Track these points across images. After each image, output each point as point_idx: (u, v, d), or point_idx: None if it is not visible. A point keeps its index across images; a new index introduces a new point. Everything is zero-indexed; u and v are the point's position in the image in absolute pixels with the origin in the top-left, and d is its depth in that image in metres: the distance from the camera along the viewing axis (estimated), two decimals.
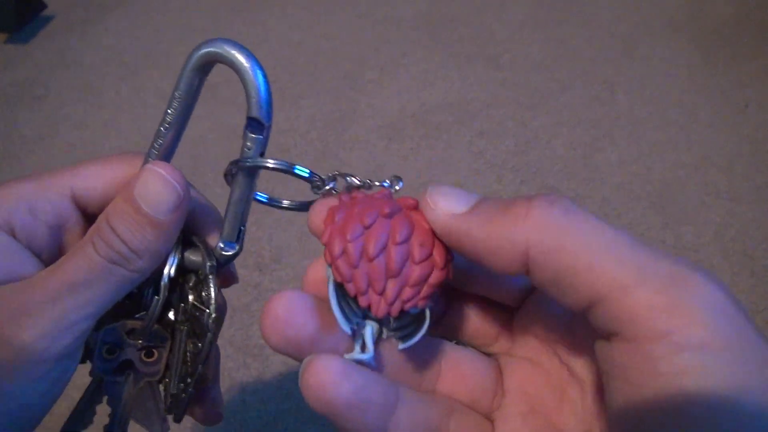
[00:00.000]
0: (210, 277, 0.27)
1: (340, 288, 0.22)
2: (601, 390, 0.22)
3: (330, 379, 0.20)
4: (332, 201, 0.24)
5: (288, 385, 0.75)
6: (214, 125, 1.09)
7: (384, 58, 1.26)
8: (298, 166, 0.25)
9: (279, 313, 0.21)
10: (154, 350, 0.27)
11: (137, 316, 0.28)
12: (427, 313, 0.23)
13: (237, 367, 0.76)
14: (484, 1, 1.41)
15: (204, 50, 0.24)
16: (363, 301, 0.22)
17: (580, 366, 0.24)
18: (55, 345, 0.23)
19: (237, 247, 0.27)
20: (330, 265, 0.22)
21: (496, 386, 0.25)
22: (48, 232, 0.26)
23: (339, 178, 0.25)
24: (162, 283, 0.27)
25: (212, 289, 0.26)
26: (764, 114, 1.11)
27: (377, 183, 0.25)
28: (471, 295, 0.26)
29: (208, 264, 0.27)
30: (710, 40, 1.27)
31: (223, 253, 0.27)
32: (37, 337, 0.23)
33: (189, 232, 0.28)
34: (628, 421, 0.19)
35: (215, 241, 0.28)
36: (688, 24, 1.32)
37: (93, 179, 0.27)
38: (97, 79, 1.22)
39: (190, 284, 0.28)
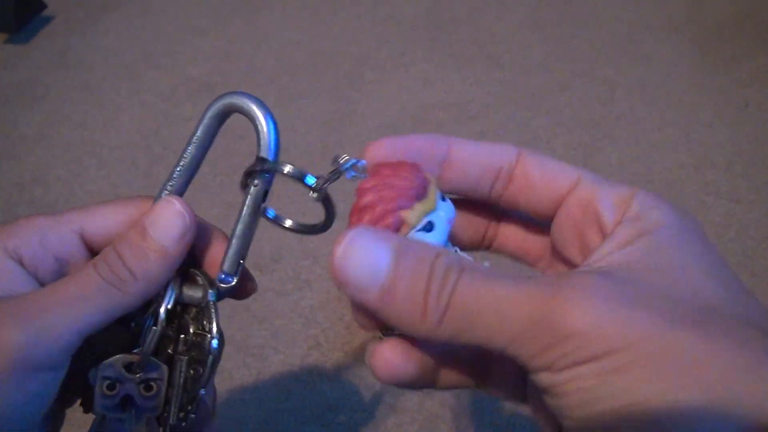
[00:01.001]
0: (211, 304, 0.28)
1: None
2: None
3: (397, 361, 0.26)
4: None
5: (287, 385, 0.75)
6: None
7: (384, 58, 1.26)
8: (309, 176, 0.27)
9: (388, 362, 0.26)
10: (153, 384, 0.28)
11: (135, 351, 0.28)
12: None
13: (236, 366, 0.76)
14: (484, 2, 1.41)
15: (224, 101, 0.28)
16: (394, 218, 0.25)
17: None
18: (38, 353, 0.24)
19: (234, 280, 0.28)
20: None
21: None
22: (54, 264, 0.27)
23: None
24: (159, 315, 0.28)
25: (213, 316, 0.28)
26: (764, 114, 1.11)
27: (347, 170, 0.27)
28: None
29: (210, 291, 0.28)
30: (710, 40, 1.27)
31: (222, 285, 0.28)
32: (21, 342, 0.24)
33: (189, 264, 0.29)
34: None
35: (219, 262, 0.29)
36: (688, 24, 1.32)
37: (102, 219, 0.29)
38: (97, 79, 1.22)
39: (191, 315, 0.28)
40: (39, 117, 1.14)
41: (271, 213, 0.29)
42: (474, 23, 1.35)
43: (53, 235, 0.27)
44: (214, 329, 0.27)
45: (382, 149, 0.27)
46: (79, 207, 0.29)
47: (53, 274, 0.27)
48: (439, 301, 0.21)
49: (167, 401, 0.28)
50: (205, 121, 0.28)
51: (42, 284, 0.27)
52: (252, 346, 0.78)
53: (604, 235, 0.24)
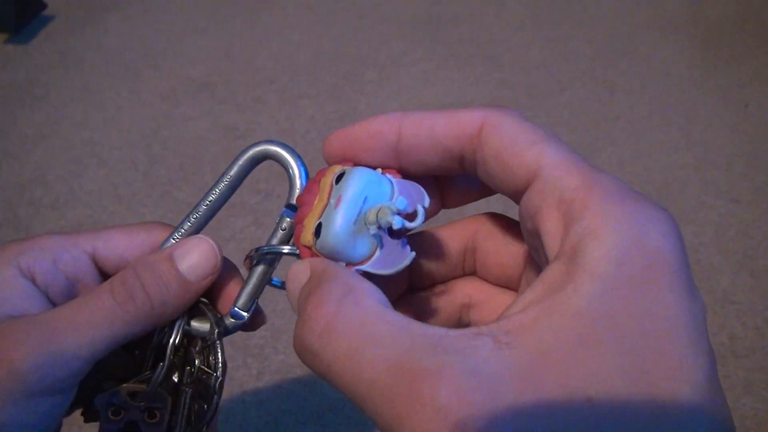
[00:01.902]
0: (218, 343, 0.28)
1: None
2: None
3: None
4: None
5: (287, 385, 0.75)
6: (212, 125, 1.09)
7: (384, 58, 1.26)
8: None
9: None
10: (157, 411, 0.28)
11: (139, 378, 0.29)
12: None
13: (237, 366, 0.76)
14: (484, 1, 1.41)
15: (260, 148, 0.29)
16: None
17: None
18: (48, 377, 0.24)
19: (246, 317, 0.29)
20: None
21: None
22: (66, 283, 0.27)
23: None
24: (168, 350, 0.28)
25: (219, 355, 0.28)
26: (764, 114, 1.11)
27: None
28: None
29: (216, 331, 0.28)
30: (710, 40, 1.27)
31: (233, 319, 0.29)
32: (32, 366, 0.24)
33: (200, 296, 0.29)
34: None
35: (230, 299, 0.29)
36: (688, 24, 1.32)
37: (115, 243, 0.28)
38: (97, 79, 1.22)
39: (197, 349, 0.29)
40: (39, 117, 1.14)
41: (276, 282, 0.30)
42: (474, 23, 1.35)
43: (66, 255, 0.28)
44: (220, 369, 0.28)
45: (334, 144, 0.26)
46: (94, 229, 0.29)
47: (64, 294, 0.27)
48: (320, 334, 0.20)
49: (170, 429, 0.28)
50: (240, 162, 0.29)
51: (53, 303, 0.27)
52: (252, 346, 0.78)
53: (548, 263, 0.20)
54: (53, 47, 1.30)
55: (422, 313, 0.28)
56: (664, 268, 0.18)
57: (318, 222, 0.24)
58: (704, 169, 1.01)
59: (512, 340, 0.17)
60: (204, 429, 0.28)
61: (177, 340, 0.28)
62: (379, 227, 0.23)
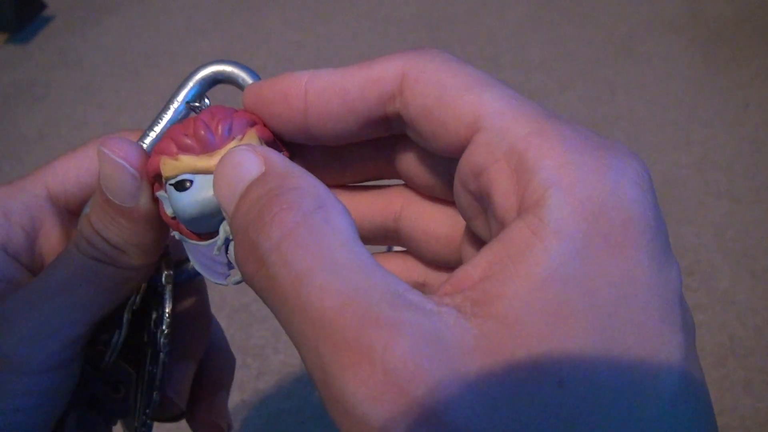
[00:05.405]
0: (167, 287, 0.24)
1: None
2: None
3: None
4: None
5: (288, 385, 0.75)
6: None
7: None
8: None
9: None
10: (120, 386, 0.25)
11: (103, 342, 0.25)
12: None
13: (237, 366, 0.76)
14: (484, 1, 1.41)
15: (210, 69, 0.25)
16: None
17: None
18: (38, 353, 0.21)
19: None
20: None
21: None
22: (23, 235, 0.24)
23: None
24: (124, 316, 0.24)
25: (167, 303, 0.24)
26: (764, 114, 1.11)
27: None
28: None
29: (165, 273, 0.24)
30: (710, 40, 1.27)
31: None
32: (16, 344, 0.21)
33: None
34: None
35: None
36: (688, 24, 1.32)
37: (67, 173, 0.25)
38: (97, 79, 1.22)
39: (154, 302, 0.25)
40: (39, 117, 1.14)
41: None
42: (474, 23, 1.35)
43: (15, 205, 0.25)
44: (166, 320, 0.24)
45: (248, 101, 0.22)
46: (41, 167, 0.26)
47: (24, 247, 0.24)
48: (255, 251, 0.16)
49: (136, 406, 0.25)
50: (189, 85, 0.25)
51: (15, 258, 0.24)
52: (252, 346, 0.78)
53: (501, 224, 0.17)
54: (53, 47, 1.30)
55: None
56: (642, 225, 0.15)
57: (188, 178, 0.20)
58: (704, 169, 1.01)
59: (479, 311, 0.15)
60: (155, 395, 0.24)
61: (138, 299, 0.24)
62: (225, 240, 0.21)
